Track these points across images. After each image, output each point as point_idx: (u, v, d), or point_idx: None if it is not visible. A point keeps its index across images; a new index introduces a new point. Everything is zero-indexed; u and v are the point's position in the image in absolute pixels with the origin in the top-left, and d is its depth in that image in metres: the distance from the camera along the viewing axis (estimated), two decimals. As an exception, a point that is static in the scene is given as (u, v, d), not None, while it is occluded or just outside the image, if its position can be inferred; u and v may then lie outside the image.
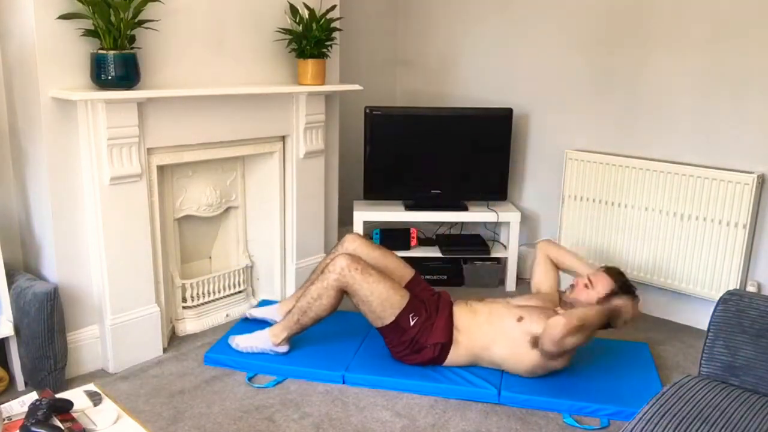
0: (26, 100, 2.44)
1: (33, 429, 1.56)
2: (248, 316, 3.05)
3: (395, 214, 3.59)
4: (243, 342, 2.76)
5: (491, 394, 2.51)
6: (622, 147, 3.35)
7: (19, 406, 1.71)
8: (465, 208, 3.65)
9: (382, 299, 2.58)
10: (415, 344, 2.62)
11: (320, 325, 2.69)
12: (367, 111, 3.54)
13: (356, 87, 3.26)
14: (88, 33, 2.39)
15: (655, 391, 2.48)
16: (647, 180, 3.20)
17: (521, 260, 3.73)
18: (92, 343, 2.68)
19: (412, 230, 3.71)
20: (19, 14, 2.35)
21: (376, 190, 3.67)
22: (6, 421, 1.65)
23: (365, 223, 3.59)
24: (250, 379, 2.63)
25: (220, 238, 3.29)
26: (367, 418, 2.40)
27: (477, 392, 2.53)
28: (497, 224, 3.74)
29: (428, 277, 3.60)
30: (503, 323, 2.60)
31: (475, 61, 3.83)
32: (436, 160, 3.65)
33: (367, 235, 3.42)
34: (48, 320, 2.40)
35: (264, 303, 3.21)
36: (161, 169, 2.80)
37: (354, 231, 3.45)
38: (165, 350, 2.85)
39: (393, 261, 2.87)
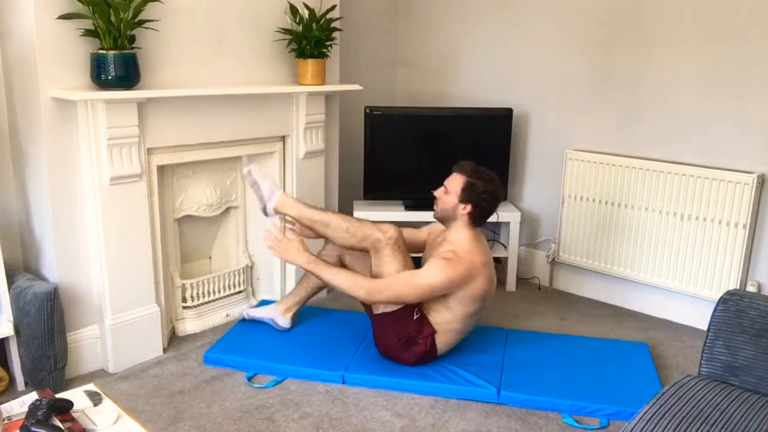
0: (26, 100, 2.44)
1: (33, 429, 1.56)
2: (246, 316, 3.05)
3: (395, 214, 3.59)
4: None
5: (491, 393, 2.51)
6: (622, 147, 3.35)
7: (19, 406, 1.71)
8: (465, 208, 3.65)
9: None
10: (410, 340, 2.62)
11: (320, 325, 2.70)
12: (367, 111, 3.54)
13: (356, 87, 3.26)
14: (88, 33, 2.39)
15: (655, 391, 2.48)
16: (647, 180, 3.20)
17: (521, 260, 3.73)
18: (92, 343, 2.68)
19: (412, 230, 3.71)
20: (19, 14, 2.35)
21: (376, 190, 3.66)
22: (6, 421, 1.65)
23: (365, 223, 3.58)
24: (249, 379, 2.63)
25: (220, 238, 3.29)
26: (367, 418, 2.40)
27: (477, 392, 2.53)
28: (497, 224, 3.73)
29: (428, 277, 3.59)
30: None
31: (475, 61, 3.83)
32: (436, 160, 3.64)
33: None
34: (48, 320, 2.40)
35: (264, 303, 3.22)
36: (161, 169, 2.80)
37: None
38: (165, 350, 2.85)
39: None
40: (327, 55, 3.09)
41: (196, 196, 3.01)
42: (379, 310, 2.63)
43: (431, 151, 3.63)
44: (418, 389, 2.57)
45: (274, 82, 3.09)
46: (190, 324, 3.04)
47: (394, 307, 2.60)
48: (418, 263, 2.71)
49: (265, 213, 2.79)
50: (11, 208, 2.65)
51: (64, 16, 2.34)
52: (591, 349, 2.88)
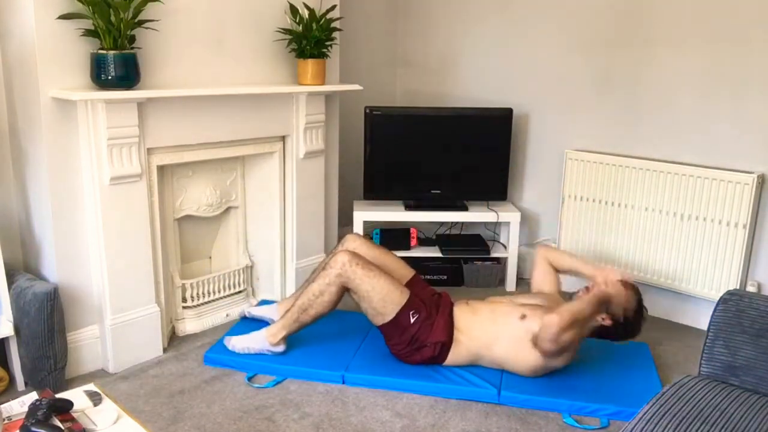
0: (26, 100, 2.44)
1: (33, 429, 1.56)
2: (246, 314, 3.05)
3: (395, 214, 3.59)
4: (239, 343, 2.75)
5: (491, 394, 2.51)
6: (622, 147, 3.36)
7: (19, 406, 1.71)
8: (465, 208, 3.65)
9: (383, 295, 2.58)
10: (416, 342, 2.62)
11: (320, 325, 2.70)
12: (367, 111, 3.54)
13: (356, 87, 3.26)
14: (88, 33, 2.39)
15: (655, 391, 2.48)
16: (647, 180, 3.20)
17: (521, 260, 3.73)
18: (92, 343, 2.68)
19: (412, 230, 3.71)
20: (19, 14, 2.35)
21: (376, 190, 3.67)
22: (6, 421, 1.65)
23: (365, 223, 3.59)
24: (249, 379, 2.63)
25: (220, 238, 3.29)
26: (367, 418, 2.40)
27: (477, 392, 2.53)
28: (497, 224, 3.74)
29: (428, 277, 3.60)
30: (506, 321, 2.59)
31: (475, 61, 3.83)
32: (436, 160, 3.64)
33: (368, 235, 3.42)
34: (48, 320, 2.40)
35: (264, 303, 3.22)
36: (161, 169, 2.80)
37: (354, 231, 3.45)
38: (165, 350, 2.85)
39: (393, 261, 2.87)
40: (327, 55, 3.09)
41: (196, 196, 3.01)
42: (379, 322, 2.64)
43: (431, 151, 3.63)
44: (418, 389, 2.57)
45: (274, 82, 3.09)
46: (190, 324, 3.04)
47: (391, 315, 2.59)
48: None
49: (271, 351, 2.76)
50: (11, 208, 2.65)
51: (64, 16, 2.34)
52: (591, 349, 2.88)
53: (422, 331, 2.61)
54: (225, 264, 3.28)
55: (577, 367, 2.71)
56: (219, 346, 2.82)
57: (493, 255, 3.67)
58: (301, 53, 3.03)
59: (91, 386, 1.86)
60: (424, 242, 3.78)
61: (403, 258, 2.95)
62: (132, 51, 2.45)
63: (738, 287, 3.00)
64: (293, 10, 2.99)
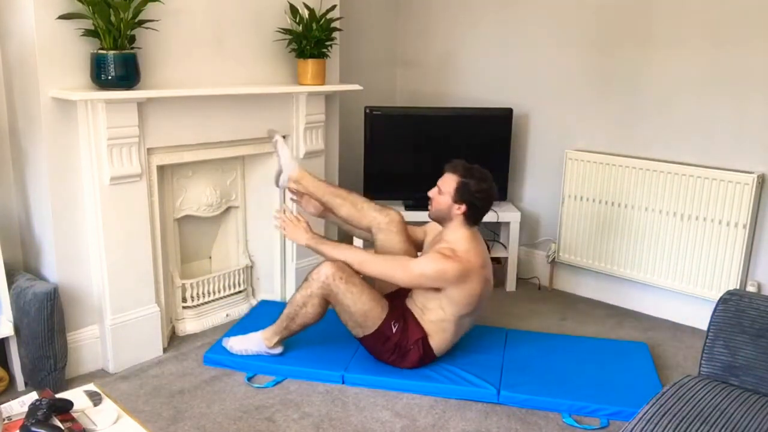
0: (26, 100, 2.44)
1: (33, 429, 1.56)
2: (278, 140, 2.94)
3: (395, 214, 3.59)
4: (237, 345, 2.75)
5: (491, 393, 2.51)
6: (622, 147, 3.35)
7: (19, 406, 1.71)
8: (465, 208, 3.64)
9: (365, 310, 2.56)
10: (400, 349, 2.62)
11: (320, 325, 2.69)
12: (367, 111, 3.54)
13: (356, 87, 3.26)
14: (88, 33, 2.39)
15: (655, 391, 2.47)
16: (647, 180, 3.19)
17: (521, 260, 3.73)
18: (92, 343, 2.68)
19: (412, 230, 3.71)
20: (19, 14, 2.35)
21: (376, 190, 3.66)
22: (6, 421, 1.65)
23: (365, 223, 3.58)
24: (249, 379, 2.63)
25: (220, 238, 3.29)
26: (367, 418, 2.40)
27: (477, 392, 2.53)
28: (497, 224, 3.73)
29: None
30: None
31: (475, 61, 3.83)
32: (436, 160, 3.62)
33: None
34: (48, 320, 2.40)
35: (264, 303, 3.21)
36: (161, 169, 2.80)
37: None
38: (165, 350, 2.85)
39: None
40: (327, 55, 3.09)
41: (196, 196, 3.01)
42: (359, 334, 2.63)
43: (431, 151, 3.63)
44: (418, 389, 2.57)
45: (274, 82, 3.09)
46: (190, 324, 3.04)
47: (372, 329, 2.58)
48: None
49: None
50: (11, 208, 2.65)
51: (64, 16, 2.34)
52: (591, 349, 2.88)
53: (403, 337, 2.61)
54: (225, 264, 3.28)
55: (577, 367, 2.71)
56: (219, 346, 2.82)
57: (493, 255, 3.67)
58: (301, 53, 3.03)
59: (91, 386, 1.86)
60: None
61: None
62: (132, 51, 2.45)
63: (738, 287, 3.00)
64: (293, 10, 2.99)
